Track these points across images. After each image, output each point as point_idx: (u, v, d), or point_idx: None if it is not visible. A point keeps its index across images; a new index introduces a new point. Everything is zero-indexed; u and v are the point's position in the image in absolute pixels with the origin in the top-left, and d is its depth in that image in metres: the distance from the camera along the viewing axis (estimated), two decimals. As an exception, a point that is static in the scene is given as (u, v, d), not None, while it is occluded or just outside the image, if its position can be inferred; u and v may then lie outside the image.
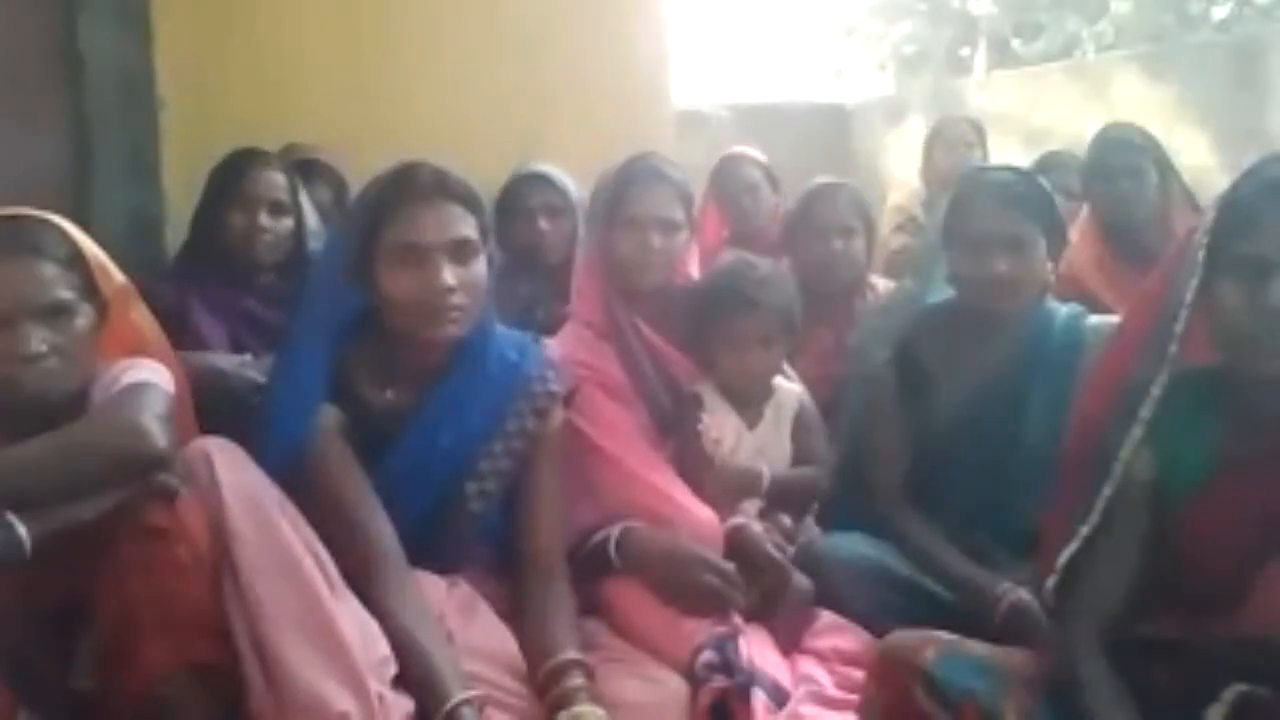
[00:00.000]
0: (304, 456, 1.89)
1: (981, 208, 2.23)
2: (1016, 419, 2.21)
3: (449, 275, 1.89)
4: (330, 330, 1.97)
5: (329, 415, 1.93)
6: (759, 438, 2.34)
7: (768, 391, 2.37)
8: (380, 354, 2.00)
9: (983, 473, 2.20)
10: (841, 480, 2.39)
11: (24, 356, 1.74)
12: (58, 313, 1.79)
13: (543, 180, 3.13)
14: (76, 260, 1.86)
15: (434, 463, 1.98)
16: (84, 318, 1.83)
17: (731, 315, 2.28)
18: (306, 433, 1.90)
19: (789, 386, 2.41)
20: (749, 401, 2.34)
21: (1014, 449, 2.19)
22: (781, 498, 2.30)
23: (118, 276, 1.97)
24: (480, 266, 1.96)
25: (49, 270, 1.80)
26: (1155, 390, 1.55)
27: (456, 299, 1.91)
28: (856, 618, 2.11)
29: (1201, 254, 1.55)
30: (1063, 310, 2.32)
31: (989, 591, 2.04)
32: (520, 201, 3.12)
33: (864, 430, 2.36)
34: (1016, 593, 2.01)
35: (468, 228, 1.95)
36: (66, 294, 1.81)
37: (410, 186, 1.93)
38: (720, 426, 2.30)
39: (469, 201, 1.97)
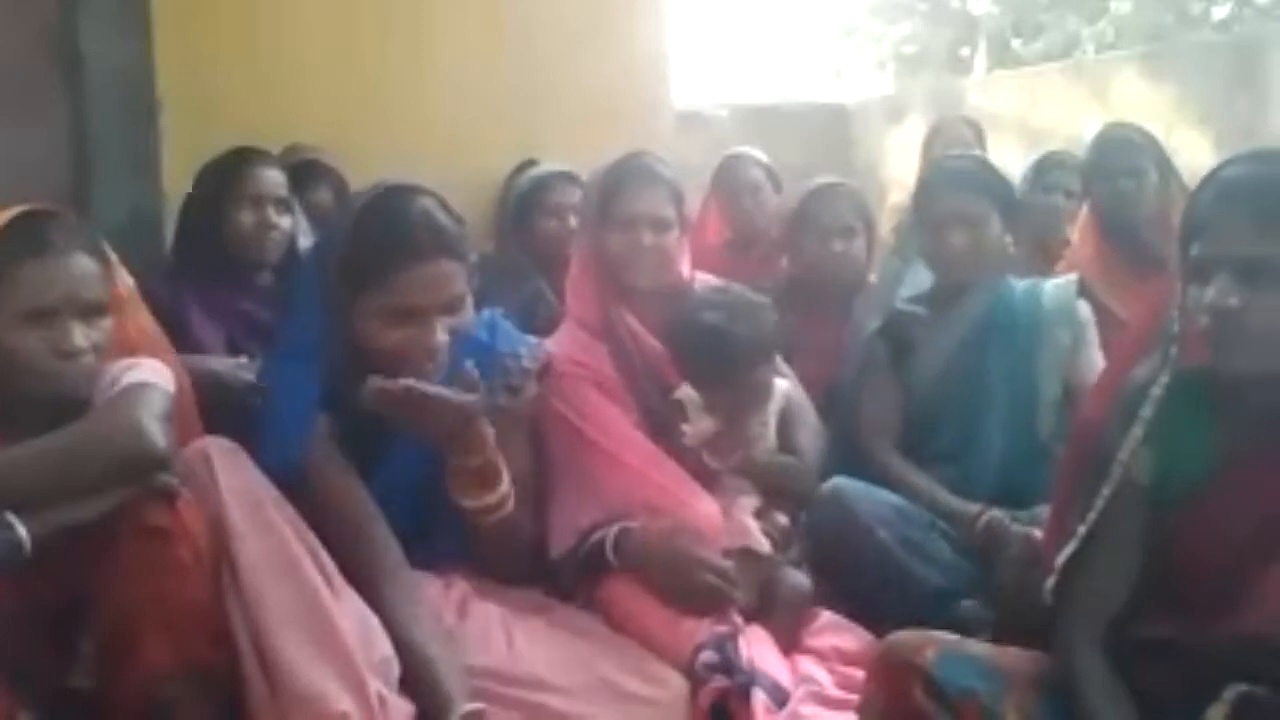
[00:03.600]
0: (301, 467, 1.88)
1: (941, 191, 2.56)
2: (982, 380, 2.46)
3: (441, 332, 1.89)
4: (317, 341, 1.95)
5: (323, 423, 1.92)
6: None
7: None
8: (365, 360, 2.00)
9: (957, 435, 2.44)
10: (837, 461, 2.40)
11: (67, 352, 1.75)
12: (97, 311, 1.80)
13: (573, 179, 3.20)
14: (105, 260, 1.87)
15: (415, 450, 1.96)
16: (109, 317, 1.84)
17: (713, 380, 2.25)
18: (303, 443, 1.89)
19: (777, 383, 2.38)
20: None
21: (983, 410, 2.44)
22: (766, 485, 2.28)
23: (127, 277, 1.99)
24: (471, 310, 1.96)
25: (92, 268, 1.81)
26: (1155, 390, 1.55)
27: (442, 350, 1.90)
28: (877, 556, 2.18)
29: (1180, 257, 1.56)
30: (1023, 283, 2.58)
31: (966, 514, 2.27)
32: (551, 198, 3.22)
33: (857, 394, 2.53)
34: (991, 512, 2.24)
35: (460, 282, 1.93)
36: (103, 293, 1.82)
37: (407, 247, 1.88)
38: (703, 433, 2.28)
39: (460, 252, 1.94)
